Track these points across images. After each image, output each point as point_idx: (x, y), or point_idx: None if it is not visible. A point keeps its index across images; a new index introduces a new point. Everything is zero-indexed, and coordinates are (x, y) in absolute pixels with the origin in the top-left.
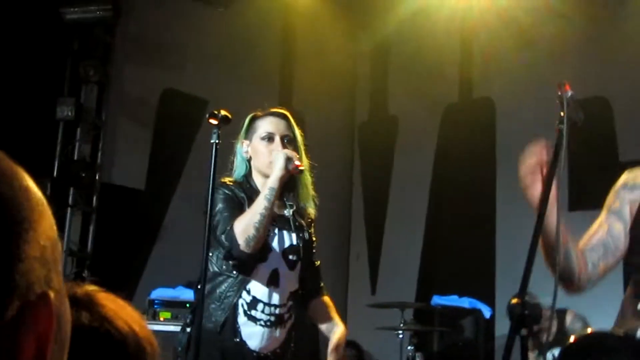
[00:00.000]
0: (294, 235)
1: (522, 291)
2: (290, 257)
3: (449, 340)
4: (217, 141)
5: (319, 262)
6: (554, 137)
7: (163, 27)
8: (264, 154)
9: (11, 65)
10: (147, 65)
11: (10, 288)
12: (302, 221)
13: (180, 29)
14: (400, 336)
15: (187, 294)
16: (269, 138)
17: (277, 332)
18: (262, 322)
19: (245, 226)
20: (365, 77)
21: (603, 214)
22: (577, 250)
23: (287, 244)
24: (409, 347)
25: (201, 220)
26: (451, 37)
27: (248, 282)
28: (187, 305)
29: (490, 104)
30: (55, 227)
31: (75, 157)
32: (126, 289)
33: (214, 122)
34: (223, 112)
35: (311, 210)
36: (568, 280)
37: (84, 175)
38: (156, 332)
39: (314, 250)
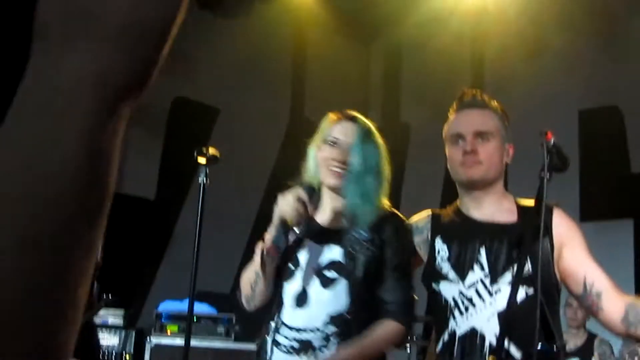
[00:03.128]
0: (338, 250)
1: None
2: (328, 274)
3: None
4: (205, 181)
5: (398, 277)
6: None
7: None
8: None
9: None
10: (158, 74)
11: None
12: (364, 235)
13: (190, 38)
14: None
15: (196, 307)
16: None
17: None
18: (284, 348)
19: (245, 281)
20: (378, 85)
21: None
22: None
23: (325, 260)
24: None
25: (211, 231)
26: (462, 45)
27: (282, 303)
28: (195, 319)
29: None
30: None
31: None
32: (135, 301)
33: (202, 161)
34: (212, 151)
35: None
36: None
37: None
38: (163, 346)
39: (386, 267)
